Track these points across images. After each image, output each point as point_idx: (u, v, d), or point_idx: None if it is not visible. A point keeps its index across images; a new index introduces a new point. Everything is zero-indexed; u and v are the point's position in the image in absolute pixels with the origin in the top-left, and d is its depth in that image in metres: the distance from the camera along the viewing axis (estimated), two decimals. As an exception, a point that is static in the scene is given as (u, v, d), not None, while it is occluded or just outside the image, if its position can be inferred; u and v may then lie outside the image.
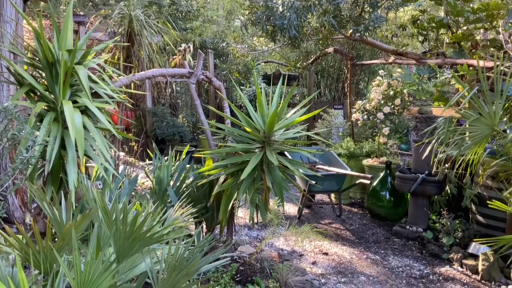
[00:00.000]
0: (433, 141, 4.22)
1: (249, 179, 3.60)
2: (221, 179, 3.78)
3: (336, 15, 4.83)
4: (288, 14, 4.28)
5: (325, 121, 7.86)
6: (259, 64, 12.66)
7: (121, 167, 6.29)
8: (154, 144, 6.22)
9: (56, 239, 2.00)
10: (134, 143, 6.72)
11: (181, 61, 10.56)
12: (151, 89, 10.29)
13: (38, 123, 3.00)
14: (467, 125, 3.87)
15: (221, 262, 2.44)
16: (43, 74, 3.18)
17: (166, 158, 4.53)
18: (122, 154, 7.41)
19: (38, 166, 3.13)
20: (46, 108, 3.13)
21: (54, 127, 3.00)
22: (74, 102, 3.15)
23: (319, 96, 11.23)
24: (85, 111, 3.21)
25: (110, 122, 3.33)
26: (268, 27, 4.63)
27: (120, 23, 6.25)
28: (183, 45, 9.92)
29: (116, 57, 6.39)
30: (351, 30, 5.21)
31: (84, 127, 3.06)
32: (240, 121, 3.76)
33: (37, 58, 3.16)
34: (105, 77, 3.47)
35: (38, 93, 3.13)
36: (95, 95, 3.35)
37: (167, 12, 12.01)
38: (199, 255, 2.02)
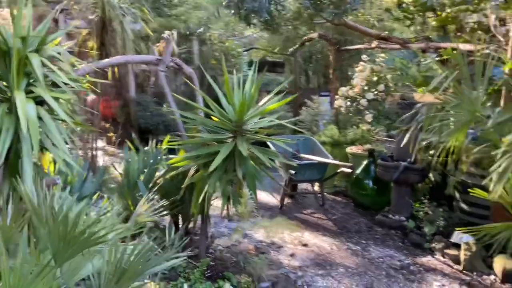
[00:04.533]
0: (412, 128, 4.08)
1: (220, 170, 3.45)
2: (192, 170, 3.63)
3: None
4: (260, -4, 4.10)
5: (309, 109, 7.69)
6: (246, 50, 12.42)
7: (103, 158, 6.18)
8: (133, 134, 6.07)
9: None
10: (112, 134, 6.56)
11: (164, 49, 10.30)
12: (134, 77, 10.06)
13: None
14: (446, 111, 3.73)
15: (171, 264, 2.27)
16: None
17: (146, 148, 4.37)
18: (102, 144, 7.27)
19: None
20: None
21: (7, 119, 2.84)
22: (31, 92, 2.99)
23: (307, 83, 11.05)
24: (44, 101, 3.05)
25: (70, 114, 3.17)
26: (241, 10, 4.45)
27: (94, 10, 6.02)
28: (166, 32, 9.67)
29: (91, 45, 6.18)
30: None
31: (41, 118, 2.92)
32: (213, 110, 3.61)
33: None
34: (65, 65, 3.29)
35: (-8, 84, 2.95)
36: (56, 85, 3.18)
37: (151, -2, 11.73)
38: (144, 258, 1.88)
